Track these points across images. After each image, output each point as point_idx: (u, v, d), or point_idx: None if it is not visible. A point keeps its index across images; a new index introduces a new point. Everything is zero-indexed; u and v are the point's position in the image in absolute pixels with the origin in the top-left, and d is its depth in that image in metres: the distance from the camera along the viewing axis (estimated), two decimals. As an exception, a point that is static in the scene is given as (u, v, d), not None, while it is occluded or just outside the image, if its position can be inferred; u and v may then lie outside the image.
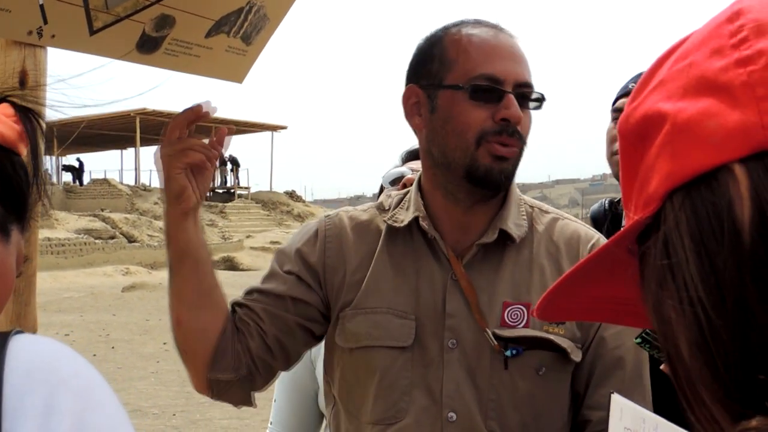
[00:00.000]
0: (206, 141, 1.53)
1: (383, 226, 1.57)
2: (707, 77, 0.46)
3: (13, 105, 0.92)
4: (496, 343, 1.45)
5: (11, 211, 0.89)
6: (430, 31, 1.56)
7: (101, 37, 1.67)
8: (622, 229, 0.51)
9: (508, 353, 1.45)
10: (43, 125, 0.94)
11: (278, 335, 1.53)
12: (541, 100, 1.50)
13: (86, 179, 38.73)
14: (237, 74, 2.08)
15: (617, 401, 1.13)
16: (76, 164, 40.07)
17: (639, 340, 1.42)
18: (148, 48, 1.79)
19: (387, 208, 1.60)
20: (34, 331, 1.69)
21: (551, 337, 1.46)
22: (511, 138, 1.45)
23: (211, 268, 1.53)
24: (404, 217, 1.55)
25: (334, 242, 1.56)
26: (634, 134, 0.50)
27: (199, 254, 1.50)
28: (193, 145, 1.48)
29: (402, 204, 1.58)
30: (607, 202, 2.53)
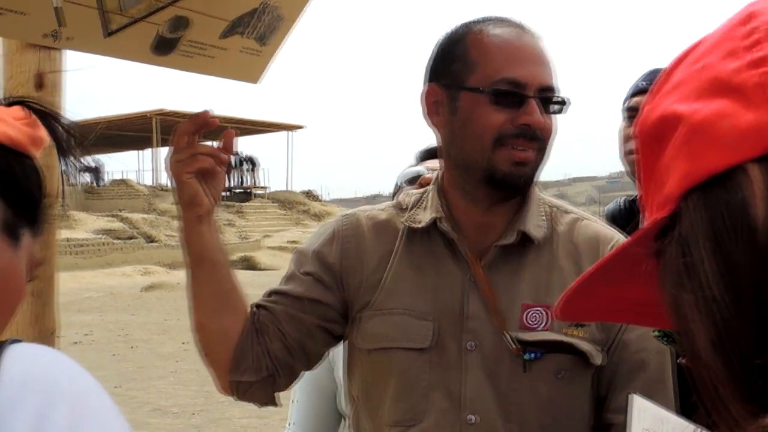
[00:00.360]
0: (212, 144, 1.53)
1: (402, 227, 1.55)
2: (721, 79, 0.47)
3: (29, 108, 0.91)
4: (515, 346, 1.43)
5: (22, 215, 0.88)
6: (451, 27, 1.52)
7: (117, 39, 1.68)
8: (640, 228, 0.51)
9: (527, 356, 1.43)
10: (62, 126, 0.93)
11: (298, 337, 1.52)
12: (564, 104, 1.47)
13: (105, 180, 38.90)
14: (252, 75, 2.09)
15: (637, 402, 1.13)
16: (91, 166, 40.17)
17: (659, 333, 1.41)
18: (163, 49, 1.80)
19: (406, 207, 1.58)
20: (53, 331, 1.70)
21: (572, 340, 1.44)
22: (530, 142, 1.43)
23: (229, 271, 1.53)
24: (423, 217, 1.53)
25: (352, 242, 1.55)
26: (650, 135, 0.51)
27: (215, 258, 1.50)
28: (201, 150, 1.47)
29: (420, 204, 1.56)
30: (623, 200, 2.51)
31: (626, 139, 2.34)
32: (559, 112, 1.48)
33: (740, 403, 0.44)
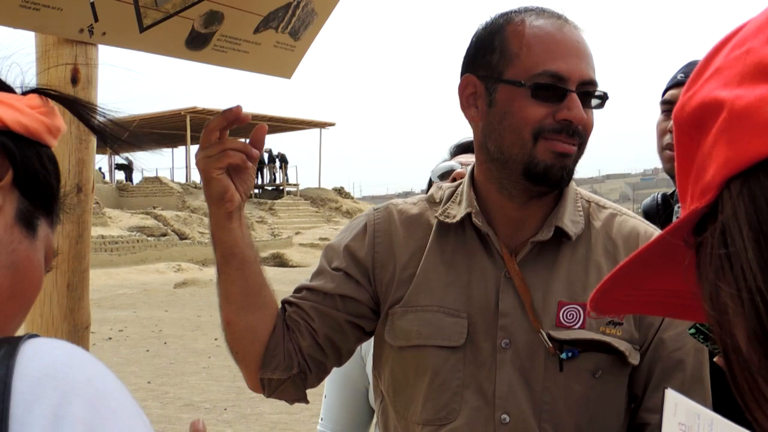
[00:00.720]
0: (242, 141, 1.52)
1: (434, 221, 1.53)
2: (765, 63, 0.45)
3: (47, 95, 0.89)
4: (550, 345, 1.41)
5: (38, 206, 0.86)
6: (489, 17, 1.49)
7: (151, 34, 1.68)
8: (675, 219, 0.49)
9: (563, 355, 1.41)
10: (88, 111, 0.92)
11: (329, 333, 1.51)
12: (604, 98, 1.44)
13: (137, 178, 39.32)
14: (285, 70, 2.08)
15: (671, 396, 1.11)
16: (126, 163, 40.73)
17: (693, 330, 1.38)
18: (197, 44, 1.80)
19: (438, 201, 1.56)
20: (88, 326, 1.71)
21: (609, 339, 1.42)
22: (572, 138, 1.40)
23: (259, 268, 1.51)
24: (456, 212, 1.51)
25: (383, 237, 1.53)
26: (689, 123, 0.49)
27: (245, 254, 1.48)
28: (231, 146, 1.44)
29: (453, 198, 1.54)
30: (660, 196, 2.47)
31: (662, 133, 2.30)
32: (600, 107, 1.45)
33: None
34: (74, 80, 1.64)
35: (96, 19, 1.59)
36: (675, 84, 2.32)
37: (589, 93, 1.42)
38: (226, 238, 1.46)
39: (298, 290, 1.56)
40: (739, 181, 0.44)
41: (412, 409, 1.48)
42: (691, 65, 2.32)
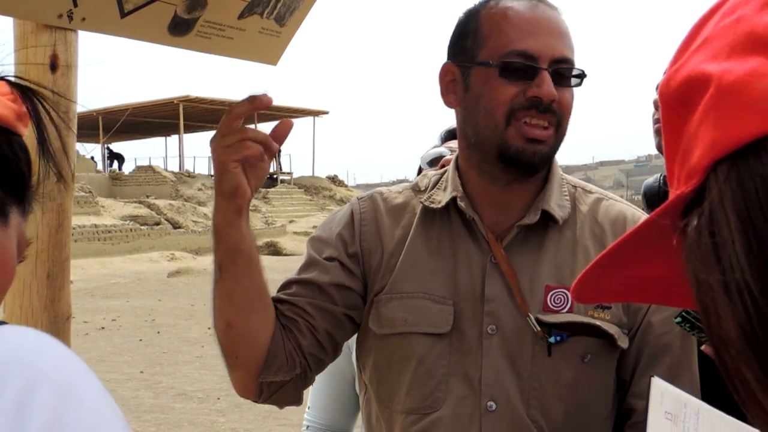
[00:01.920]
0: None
1: (419, 208, 1.51)
2: (757, 33, 0.41)
3: (10, 83, 0.88)
4: (539, 329, 1.39)
5: (10, 193, 0.85)
6: (470, 4, 1.49)
7: (132, 20, 1.65)
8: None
9: (552, 339, 1.39)
10: (45, 103, 0.90)
11: (328, 329, 1.47)
12: (581, 76, 1.43)
13: (131, 167, 39.25)
14: (271, 56, 2.06)
15: (658, 385, 1.09)
16: (116, 152, 40.73)
17: (678, 319, 1.37)
18: (180, 30, 1.77)
19: (423, 189, 1.55)
20: (68, 316, 1.69)
21: (598, 322, 1.41)
22: (543, 115, 1.38)
23: (261, 267, 1.44)
24: (442, 198, 1.50)
25: (370, 225, 1.52)
26: (675, 99, 0.46)
27: (251, 252, 1.40)
28: (251, 136, 1.34)
29: (439, 185, 1.53)
30: (662, 177, 2.43)
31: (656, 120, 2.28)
32: (577, 85, 1.43)
33: None
34: (53, 66, 1.61)
35: (75, 5, 1.56)
36: None
37: (563, 72, 1.40)
38: (234, 234, 1.37)
39: (287, 285, 1.50)
40: (727, 165, 0.41)
41: (396, 398, 1.46)
42: None
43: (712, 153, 0.42)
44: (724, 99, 0.42)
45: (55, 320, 1.63)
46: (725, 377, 0.44)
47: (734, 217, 0.40)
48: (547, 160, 1.44)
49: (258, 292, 1.41)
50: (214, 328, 1.45)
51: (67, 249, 1.66)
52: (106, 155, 40.92)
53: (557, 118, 1.40)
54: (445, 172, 1.56)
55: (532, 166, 1.41)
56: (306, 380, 1.49)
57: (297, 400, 1.51)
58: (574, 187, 1.53)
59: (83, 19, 1.59)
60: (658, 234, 0.48)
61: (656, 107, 2.27)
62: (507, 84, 1.38)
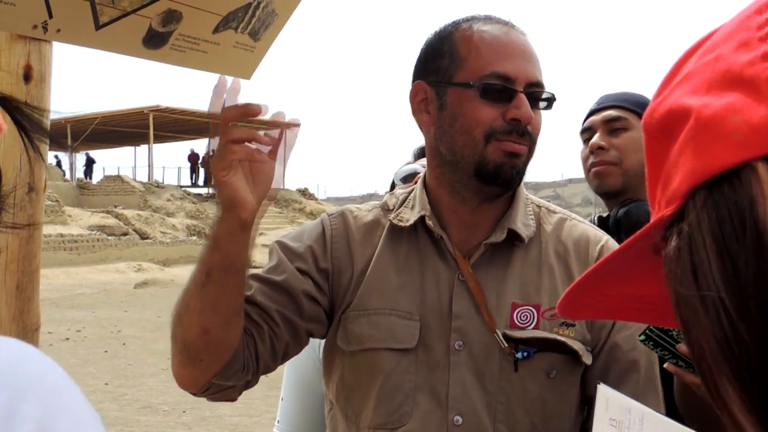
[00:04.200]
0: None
1: (387, 225, 1.53)
2: (733, 71, 0.44)
3: None
4: (506, 344, 1.42)
5: None
6: (439, 26, 1.53)
7: (107, 32, 1.66)
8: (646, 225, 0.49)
9: (519, 355, 1.42)
10: (17, 114, 0.89)
11: (289, 341, 1.46)
12: (551, 100, 1.47)
13: (99, 176, 38.90)
14: (245, 71, 2.07)
15: (603, 392, 1.11)
16: (85, 160, 40.46)
17: (642, 337, 1.40)
18: (154, 43, 1.78)
19: (391, 208, 1.56)
20: (38, 327, 1.68)
21: (563, 339, 1.43)
22: (522, 138, 1.42)
23: (247, 279, 1.41)
24: (409, 216, 1.51)
25: (341, 242, 1.52)
26: (658, 130, 0.49)
27: (245, 267, 1.36)
28: (233, 137, 1.30)
29: (406, 203, 1.55)
30: (596, 218, 2.39)
31: (586, 159, 2.30)
32: (547, 108, 1.47)
33: (747, 410, 0.42)
34: (27, 77, 1.61)
35: (50, 16, 1.56)
36: (590, 113, 2.32)
37: (536, 95, 1.44)
38: (232, 248, 1.32)
39: (255, 279, 1.46)
40: (704, 192, 0.44)
41: (364, 414, 1.47)
42: (604, 97, 2.32)
43: (690, 180, 0.45)
44: (702, 131, 0.44)
45: (23, 331, 1.62)
46: (705, 388, 0.46)
47: (710, 240, 0.43)
48: (522, 176, 1.47)
49: (241, 306, 1.38)
50: (180, 327, 1.40)
51: (37, 260, 1.65)
52: (84, 161, 40.64)
53: (531, 139, 1.45)
54: (412, 190, 1.58)
55: (510, 180, 1.44)
56: (250, 385, 1.47)
57: (234, 400, 1.49)
58: (539, 206, 1.56)
59: (58, 30, 1.59)
60: (639, 254, 0.50)
61: (586, 159, 2.27)
62: (486, 105, 1.41)
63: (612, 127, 2.22)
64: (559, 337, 1.43)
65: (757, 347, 0.41)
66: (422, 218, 1.50)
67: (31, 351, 0.70)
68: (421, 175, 1.59)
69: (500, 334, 1.42)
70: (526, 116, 1.41)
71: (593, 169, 2.23)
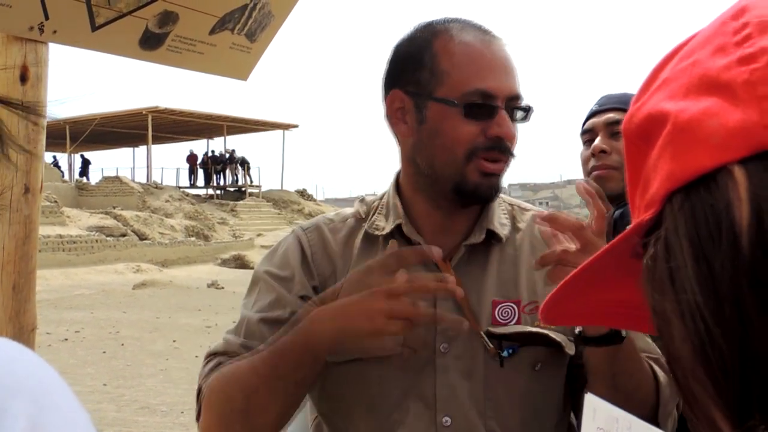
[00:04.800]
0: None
1: (362, 233, 1.52)
2: (709, 76, 0.45)
3: None
4: (491, 346, 1.43)
5: None
6: (410, 30, 1.47)
7: (103, 33, 1.66)
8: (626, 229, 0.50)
9: (504, 353, 1.43)
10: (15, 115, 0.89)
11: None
12: (528, 111, 1.45)
13: (98, 177, 38.92)
14: (241, 71, 2.08)
15: (590, 401, 1.11)
16: (81, 162, 40.45)
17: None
18: (151, 44, 1.78)
19: (364, 217, 1.55)
20: (34, 327, 1.68)
21: (545, 331, 1.44)
22: (503, 154, 1.42)
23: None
24: (384, 224, 1.51)
25: (320, 254, 1.51)
26: (637, 135, 0.49)
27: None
28: (402, 291, 1.30)
29: (379, 210, 1.54)
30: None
31: (586, 161, 2.31)
32: (524, 120, 1.46)
33: (723, 413, 0.43)
34: (23, 78, 1.62)
35: (47, 17, 1.57)
36: (590, 115, 2.33)
37: (515, 107, 1.43)
38: (299, 375, 1.35)
39: (261, 323, 1.46)
40: (681, 196, 0.44)
41: (353, 424, 1.47)
42: (605, 98, 2.34)
43: (668, 184, 0.45)
44: (679, 135, 0.45)
45: (20, 332, 1.63)
46: (679, 393, 0.46)
47: (687, 243, 0.43)
48: (500, 190, 1.47)
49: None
50: (237, 400, 1.38)
51: (34, 261, 1.65)
52: (80, 162, 40.61)
53: (511, 155, 1.44)
54: (383, 196, 1.57)
55: (488, 198, 1.45)
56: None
57: None
58: (511, 205, 1.58)
59: (54, 31, 1.60)
60: (620, 259, 0.51)
61: (586, 162, 2.29)
62: (468, 122, 1.39)
63: (614, 131, 2.24)
64: (541, 330, 1.44)
65: (732, 351, 0.41)
66: (398, 226, 1.49)
67: (20, 349, 0.71)
68: (392, 180, 1.57)
69: (485, 337, 1.43)
70: (508, 134, 1.40)
71: (594, 173, 2.24)
